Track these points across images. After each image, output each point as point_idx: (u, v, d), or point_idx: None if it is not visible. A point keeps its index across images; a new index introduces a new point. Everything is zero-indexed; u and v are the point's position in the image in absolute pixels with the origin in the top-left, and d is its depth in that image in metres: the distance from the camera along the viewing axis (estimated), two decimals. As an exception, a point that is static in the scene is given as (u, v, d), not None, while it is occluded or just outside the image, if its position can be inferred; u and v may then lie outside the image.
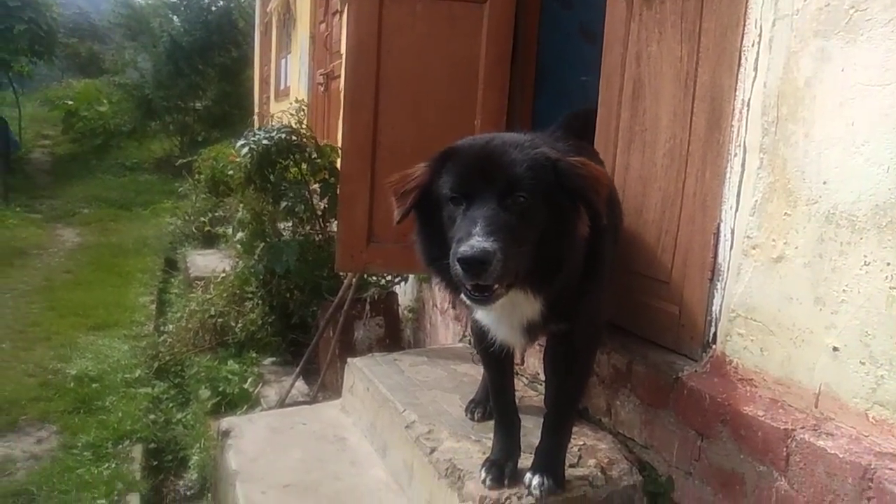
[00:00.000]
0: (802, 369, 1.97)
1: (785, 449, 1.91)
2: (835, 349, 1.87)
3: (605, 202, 1.83)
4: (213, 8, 16.71)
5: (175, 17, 16.66)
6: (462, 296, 1.78)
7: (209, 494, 3.63)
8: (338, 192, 4.34)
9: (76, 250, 9.43)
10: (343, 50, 4.75)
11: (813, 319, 1.94)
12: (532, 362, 3.12)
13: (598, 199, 1.79)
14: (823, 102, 1.90)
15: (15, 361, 5.16)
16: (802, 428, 1.90)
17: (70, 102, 17.73)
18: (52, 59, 16.86)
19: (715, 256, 2.30)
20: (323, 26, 8.01)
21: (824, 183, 1.90)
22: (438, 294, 4.18)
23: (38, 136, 18.04)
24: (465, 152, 1.86)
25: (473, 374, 3.16)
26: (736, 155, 2.20)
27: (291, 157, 4.92)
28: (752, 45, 2.15)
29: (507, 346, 2.17)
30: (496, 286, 1.70)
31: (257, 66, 14.65)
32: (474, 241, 1.60)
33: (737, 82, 2.22)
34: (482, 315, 2.10)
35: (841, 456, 1.77)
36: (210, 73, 16.70)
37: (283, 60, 11.26)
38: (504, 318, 2.03)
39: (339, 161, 4.92)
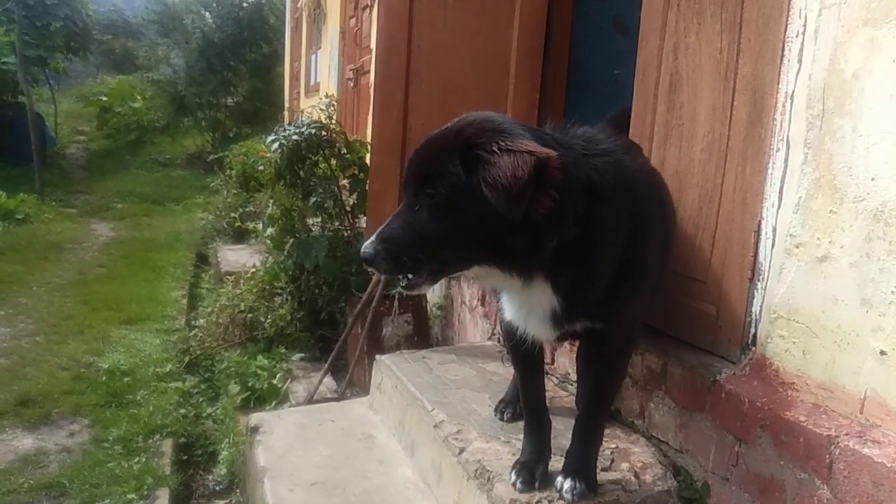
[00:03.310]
0: (847, 373, 1.89)
1: (828, 456, 1.84)
2: (882, 353, 1.79)
3: (517, 196, 1.63)
4: (245, 4, 16.82)
5: (207, 14, 16.80)
6: None
7: (238, 490, 3.64)
8: (367, 187, 4.32)
9: (110, 245, 9.55)
10: (373, 45, 4.74)
11: (859, 321, 1.86)
12: (563, 362, 3.06)
13: (495, 193, 1.63)
14: (872, 95, 1.82)
15: (48, 355, 5.22)
16: (847, 434, 1.83)
17: (104, 99, 18.00)
18: (87, 55, 17.18)
19: (755, 255, 2.22)
20: (353, 21, 8.00)
21: (872, 179, 1.82)
22: (467, 291, 4.14)
23: (74, 131, 18.34)
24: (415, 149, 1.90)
25: (503, 373, 3.11)
26: (778, 150, 2.12)
27: (321, 152, 4.90)
28: (797, 36, 2.06)
29: (536, 343, 2.11)
30: (410, 276, 1.82)
31: (288, 61, 14.72)
32: (368, 241, 1.78)
33: (780, 74, 2.13)
34: (509, 309, 2.07)
35: (889, 465, 1.69)
36: (241, 70, 16.84)
37: (314, 56, 11.30)
38: (527, 309, 1.99)
39: (368, 157, 4.91)
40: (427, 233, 1.76)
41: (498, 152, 1.66)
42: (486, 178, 1.65)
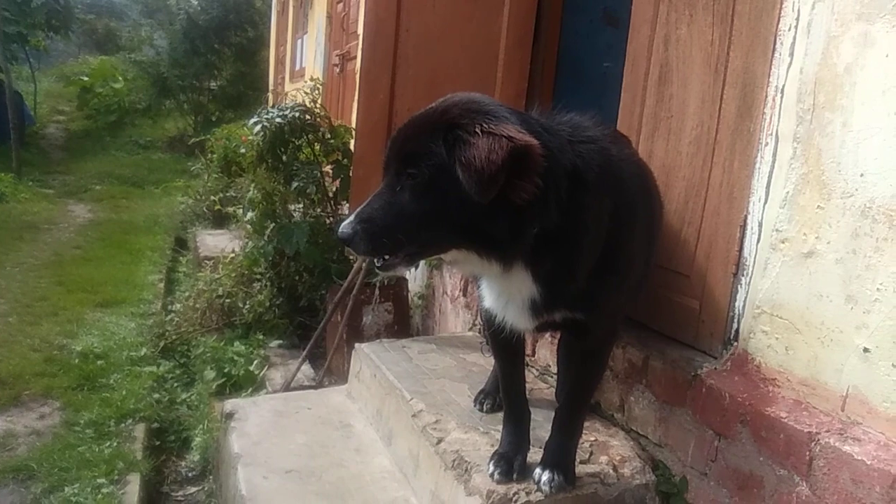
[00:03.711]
0: (830, 370, 1.88)
1: (808, 453, 1.83)
2: (865, 350, 1.78)
3: (489, 179, 1.61)
4: (231, -14, 16.61)
5: (192, -5, 16.60)
6: None
7: (210, 477, 3.58)
8: (350, 173, 4.27)
9: (87, 226, 9.40)
10: (360, 30, 4.67)
11: (843, 318, 1.84)
12: (543, 354, 3.04)
13: (468, 174, 1.61)
14: (864, 90, 1.80)
15: (20, 336, 5.11)
16: (828, 431, 1.82)
17: (85, 79, 17.72)
18: (69, 34, 16.90)
19: (740, 250, 2.20)
20: (340, 6, 7.92)
21: (861, 175, 1.80)
22: (449, 281, 4.11)
23: (53, 111, 18.05)
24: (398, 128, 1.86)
25: (483, 363, 3.08)
26: (767, 144, 2.10)
27: (305, 136, 4.83)
28: (789, 29, 2.04)
29: (517, 332, 2.07)
30: (387, 257, 1.78)
31: (273, 46, 14.58)
32: (347, 221, 1.75)
33: (771, 68, 2.11)
34: (489, 297, 2.03)
35: (868, 462, 1.68)
36: (226, 53, 16.64)
37: (300, 41, 11.18)
38: (506, 297, 1.96)
39: (352, 142, 4.85)
40: (407, 214, 1.72)
41: (479, 133, 1.63)
42: (461, 158, 1.62)
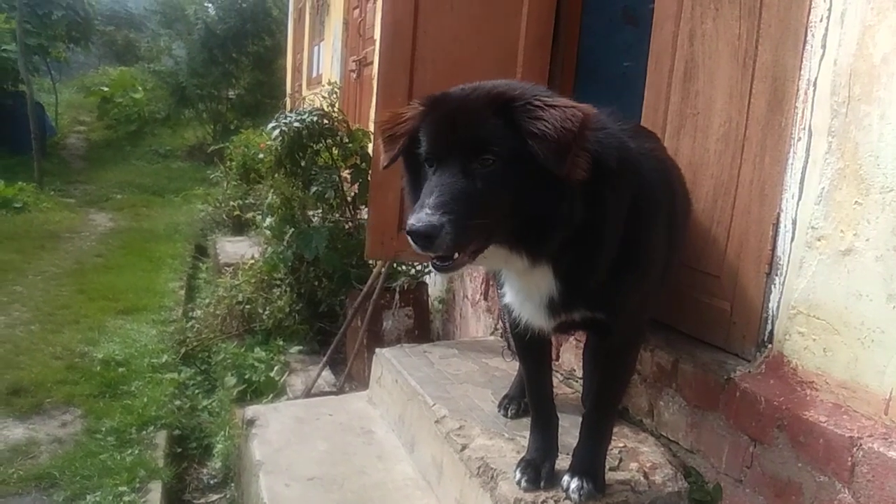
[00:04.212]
0: (871, 372, 1.81)
1: (850, 458, 1.76)
2: (909, 351, 1.71)
3: (565, 149, 1.55)
4: (248, -5, 16.69)
5: (210, 5, 16.69)
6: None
7: (232, 484, 3.55)
8: (369, 177, 4.24)
9: (108, 235, 9.45)
10: (377, 35, 4.64)
11: (885, 318, 1.77)
12: (567, 358, 2.98)
13: (544, 145, 1.54)
14: (903, 80, 1.73)
15: (43, 344, 5.12)
16: (871, 436, 1.74)
17: (105, 89, 17.85)
18: (89, 45, 17.05)
19: (773, 249, 2.13)
20: (357, 12, 7.91)
21: (902, 169, 1.73)
22: (470, 285, 4.06)
23: (74, 121, 18.21)
24: (443, 106, 1.71)
25: (506, 368, 3.03)
26: (800, 139, 2.03)
27: (323, 141, 4.81)
28: (821, 20, 1.98)
29: (537, 330, 2.01)
30: (456, 255, 1.63)
31: (290, 54, 14.62)
32: (423, 213, 1.55)
33: (802, 61, 2.05)
34: (509, 293, 1.98)
35: (916, 469, 1.61)
36: (243, 62, 16.71)
37: (316, 48, 11.19)
38: (523, 294, 1.91)
39: (370, 146, 4.82)
40: (487, 203, 1.61)
41: (543, 106, 1.57)
42: (534, 130, 1.55)
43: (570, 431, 2.26)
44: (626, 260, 1.86)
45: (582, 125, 1.56)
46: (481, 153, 1.61)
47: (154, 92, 17.16)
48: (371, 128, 4.34)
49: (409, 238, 1.56)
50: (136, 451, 3.69)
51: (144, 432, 3.93)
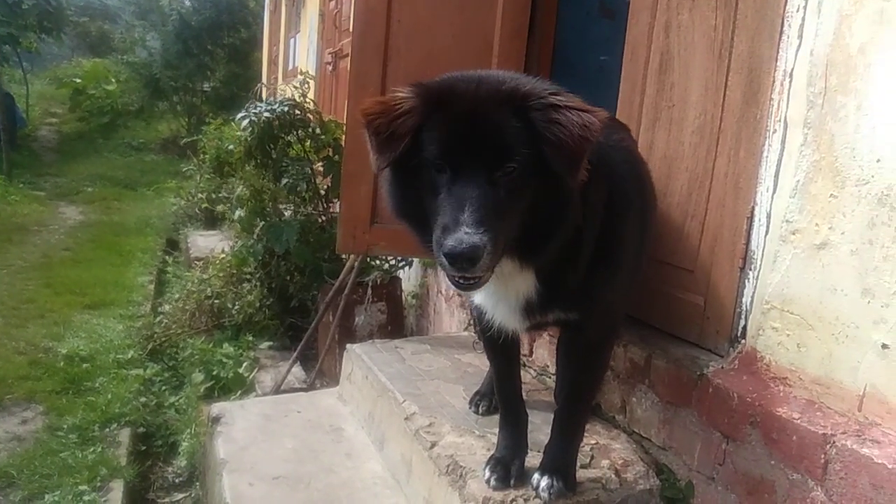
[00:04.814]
0: (845, 368, 1.78)
1: (823, 456, 1.72)
2: (884, 346, 1.68)
3: (581, 158, 1.48)
4: (223, -14, 16.47)
5: (185, -4, 16.47)
6: (447, 279, 1.57)
7: (198, 483, 3.47)
8: (341, 169, 4.16)
9: (77, 228, 9.27)
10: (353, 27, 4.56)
11: (859, 313, 1.74)
12: (541, 353, 2.93)
13: (561, 153, 1.46)
14: (880, 71, 1.70)
15: (5, 338, 4.99)
16: (844, 433, 1.71)
17: (78, 80, 17.55)
18: (61, 36, 16.68)
19: (747, 243, 2.10)
20: (333, 4, 7.80)
21: (878, 161, 1.70)
22: (444, 280, 4.00)
23: (46, 113, 17.87)
24: (452, 104, 1.54)
25: (478, 364, 2.98)
26: (775, 131, 2.00)
27: (294, 132, 4.72)
28: (797, 11, 1.95)
29: (510, 332, 1.96)
30: (482, 274, 1.50)
31: (266, 46, 14.45)
32: (462, 233, 1.40)
33: (778, 52, 2.01)
34: (479, 297, 1.90)
35: (889, 466, 1.58)
36: (219, 54, 16.48)
37: (292, 40, 11.06)
38: (498, 296, 1.82)
39: (343, 138, 4.74)
40: (511, 212, 1.50)
41: (562, 108, 1.48)
42: (551, 138, 1.46)
43: (541, 428, 2.22)
44: (601, 257, 1.81)
45: (598, 133, 1.48)
46: (506, 161, 1.49)
47: (127, 84, 16.89)
48: (345, 119, 4.26)
49: (443, 260, 1.43)
50: (99, 449, 3.59)
51: (108, 430, 3.84)
